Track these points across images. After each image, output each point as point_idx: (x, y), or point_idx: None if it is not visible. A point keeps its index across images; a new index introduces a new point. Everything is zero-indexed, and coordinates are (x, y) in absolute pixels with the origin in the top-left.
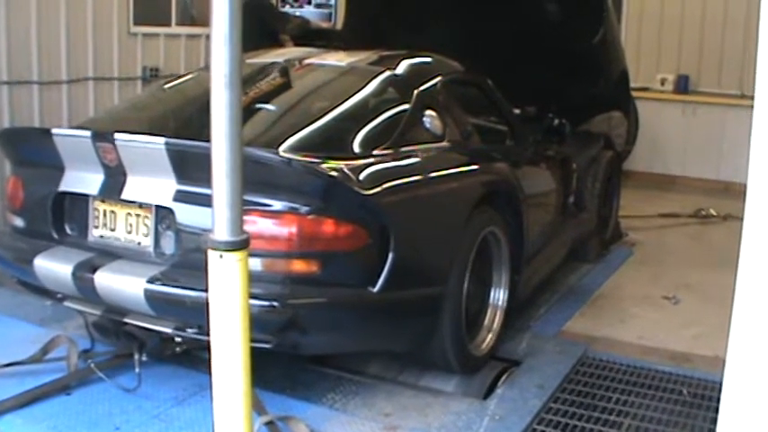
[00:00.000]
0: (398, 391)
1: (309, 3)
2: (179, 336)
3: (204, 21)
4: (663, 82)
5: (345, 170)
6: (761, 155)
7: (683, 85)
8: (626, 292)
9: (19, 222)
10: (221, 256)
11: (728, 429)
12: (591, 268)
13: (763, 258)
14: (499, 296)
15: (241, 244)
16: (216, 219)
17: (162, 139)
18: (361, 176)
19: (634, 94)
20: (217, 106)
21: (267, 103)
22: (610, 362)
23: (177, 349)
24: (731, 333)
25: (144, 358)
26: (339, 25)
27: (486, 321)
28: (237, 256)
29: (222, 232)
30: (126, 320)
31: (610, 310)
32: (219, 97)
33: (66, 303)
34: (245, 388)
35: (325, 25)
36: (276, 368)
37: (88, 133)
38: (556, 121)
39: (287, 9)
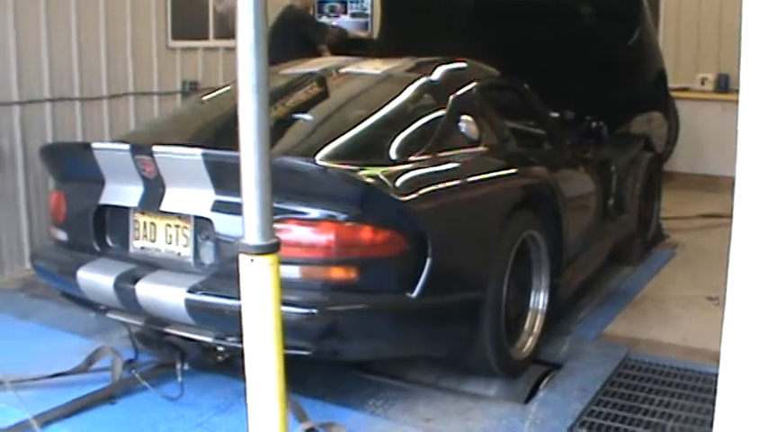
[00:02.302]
0: (439, 397)
1: (346, 12)
2: (220, 345)
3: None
4: (703, 81)
5: (382, 177)
6: (748, 151)
7: (723, 84)
8: (668, 294)
9: (62, 236)
10: (252, 261)
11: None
12: (632, 270)
13: (754, 256)
14: (539, 300)
15: (271, 248)
16: (246, 224)
17: (199, 151)
18: (398, 183)
19: (674, 94)
20: (245, 115)
21: (305, 112)
22: (652, 364)
23: (219, 358)
24: (724, 331)
25: (186, 367)
26: (376, 34)
27: (527, 325)
28: (269, 259)
29: (253, 237)
30: (167, 330)
31: (652, 312)
32: (247, 106)
33: (109, 315)
34: (279, 392)
35: (362, 34)
36: (317, 375)
37: (127, 146)
38: (593, 124)
39: (324, 19)
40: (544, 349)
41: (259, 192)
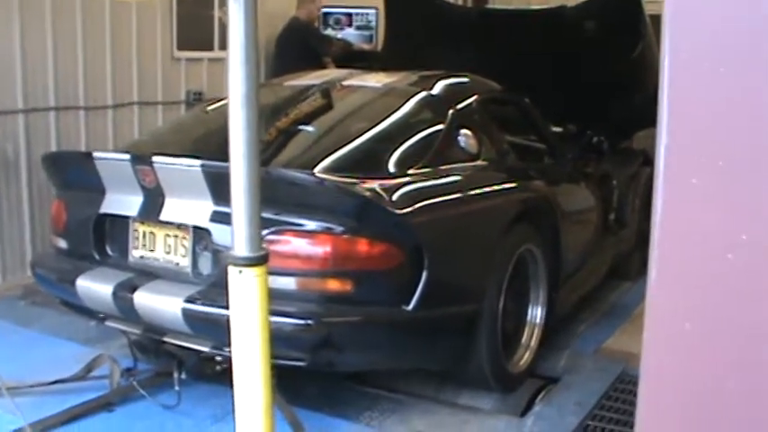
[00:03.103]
0: (435, 409)
1: (351, 25)
2: (217, 354)
3: None
4: None
5: (379, 190)
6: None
7: None
8: None
9: (62, 244)
10: (240, 272)
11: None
12: (632, 285)
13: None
14: (537, 314)
15: (260, 260)
16: (235, 235)
17: (198, 161)
18: (395, 196)
19: None
20: (235, 126)
21: (306, 124)
22: None
23: (217, 368)
24: (644, 340)
25: (183, 377)
26: (380, 47)
27: (524, 339)
28: (256, 271)
29: (241, 248)
30: (165, 339)
31: None
32: (237, 117)
33: (108, 323)
34: (266, 403)
35: (366, 47)
36: (314, 386)
37: (127, 156)
38: (594, 139)
39: (329, 32)
40: (541, 363)
41: (248, 204)
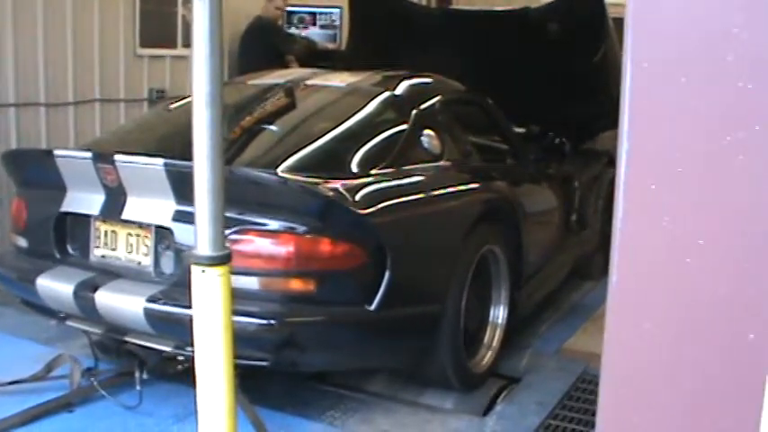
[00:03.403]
0: (397, 409)
1: (315, 24)
2: (179, 354)
3: None
4: None
5: (341, 190)
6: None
7: None
8: None
9: (22, 243)
10: (204, 271)
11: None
12: (594, 286)
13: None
14: (499, 314)
15: (222, 259)
16: (198, 234)
17: (161, 160)
18: (358, 196)
19: None
20: (198, 125)
21: (269, 123)
22: None
23: (179, 367)
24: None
25: (145, 376)
26: (344, 46)
27: (486, 339)
28: (219, 270)
29: (204, 247)
30: (127, 339)
31: None
32: (201, 116)
33: (69, 322)
34: (229, 403)
35: (330, 46)
36: (276, 386)
37: (89, 154)
38: (556, 140)
39: (293, 30)
40: (503, 363)
41: (211, 203)
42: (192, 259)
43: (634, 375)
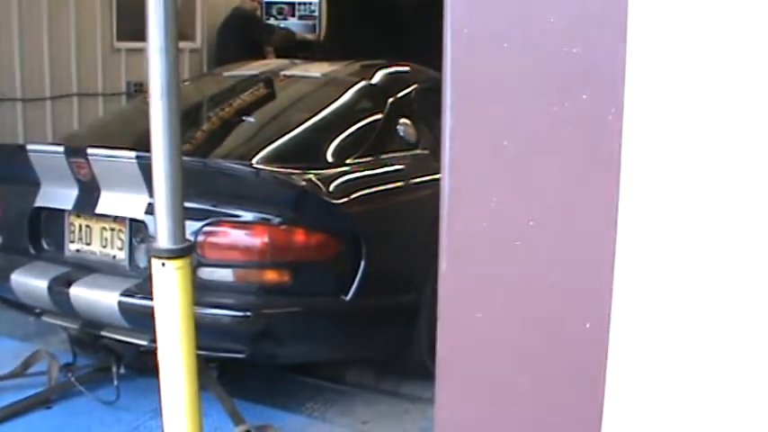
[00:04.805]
0: (377, 399)
1: (294, 15)
2: (155, 348)
3: (185, 35)
4: None
5: (315, 180)
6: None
7: None
8: None
9: None
10: (163, 264)
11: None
12: None
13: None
14: None
15: (182, 252)
16: (158, 227)
17: (133, 153)
18: (331, 186)
19: None
20: (155, 116)
21: (245, 114)
22: None
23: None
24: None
25: (122, 371)
26: (323, 37)
27: None
28: (178, 263)
29: (164, 240)
30: (103, 334)
31: None
32: (157, 108)
33: (45, 318)
34: (190, 395)
35: (309, 37)
36: (254, 377)
37: (61, 148)
38: None
39: (272, 21)
40: None
41: (169, 195)
42: (152, 252)
43: (468, 371)
